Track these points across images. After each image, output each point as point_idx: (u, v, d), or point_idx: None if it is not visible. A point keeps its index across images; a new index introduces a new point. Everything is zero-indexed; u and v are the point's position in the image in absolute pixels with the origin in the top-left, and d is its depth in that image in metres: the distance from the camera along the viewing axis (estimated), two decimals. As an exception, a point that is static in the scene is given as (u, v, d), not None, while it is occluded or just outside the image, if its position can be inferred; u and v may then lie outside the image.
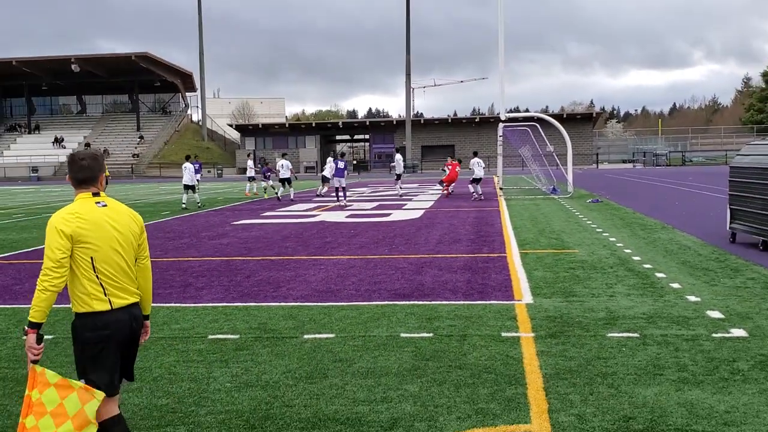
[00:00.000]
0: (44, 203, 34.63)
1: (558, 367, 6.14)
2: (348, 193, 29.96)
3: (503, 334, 7.31)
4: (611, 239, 14.77)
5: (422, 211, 23.39)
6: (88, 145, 63.88)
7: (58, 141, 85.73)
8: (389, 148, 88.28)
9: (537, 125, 36.72)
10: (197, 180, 31.24)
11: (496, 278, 10.64)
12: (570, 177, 31.17)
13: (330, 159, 34.00)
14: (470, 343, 6.99)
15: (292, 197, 31.48)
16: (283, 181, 31.44)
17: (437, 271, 11.42)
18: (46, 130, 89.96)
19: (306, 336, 7.46)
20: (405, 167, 40.04)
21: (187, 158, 29.84)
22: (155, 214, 25.30)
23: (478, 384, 5.78)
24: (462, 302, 8.96)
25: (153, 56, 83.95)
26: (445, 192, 31.29)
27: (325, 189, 34.24)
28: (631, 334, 7.16)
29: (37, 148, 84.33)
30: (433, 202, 28.02)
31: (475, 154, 31.82)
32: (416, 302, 9.02)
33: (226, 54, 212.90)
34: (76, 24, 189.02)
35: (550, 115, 54.36)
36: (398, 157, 34.64)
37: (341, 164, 29.46)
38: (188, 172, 28.84)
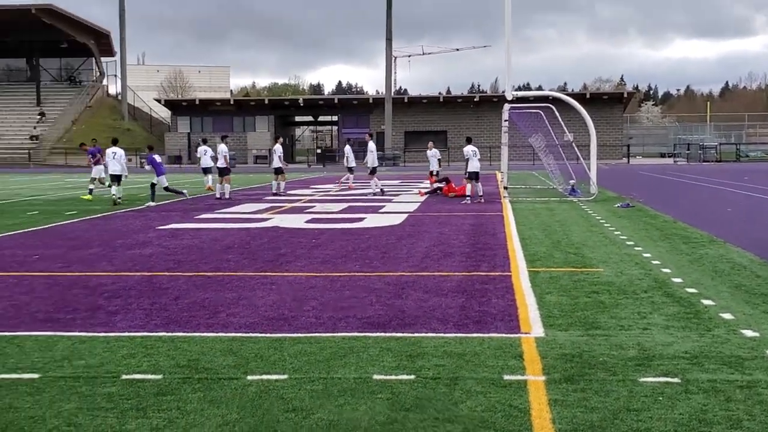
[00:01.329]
0: None
1: (576, 422, 6.03)
2: (308, 191, 30.43)
3: (506, 377, 7.18)
4: (645, 255, 14.73)
5: (405, 216, 23.23)
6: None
7: None
8: (362, 134, 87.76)
9: (553, 107, 35.84)
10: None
11: (497, 304, 10.52)
12: (593, 174, 31.03)
13: (348, 146, 35.63)
14: (463, 389, 6.87)
15: (227, 195, 31.43)
16: (205, 170, 32.16)
17: (422, 293, 11.27)
18: None
19: (250, 377, 7.30)
20: (383, 158, 40.38)
21: (115, 143, 30.36)
22: (57, 214, 25.02)
23: (472, 443, 5.68)
24: (454, 334, 8.83)
25: (58, 9, 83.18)
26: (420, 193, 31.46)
27: (351, 179, 36.67)
28: (670, 379, 7.07)
29: None
30: (418, 204, 27.89)
31: (469, 141, 31.04)
32: (394, 334, 8.86)
33: (156, 9, 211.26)
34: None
35: (569, 95, 54.39)
36: (371, 145, 35.18)
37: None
38: (117, 159, 30.01)
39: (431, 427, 6.00)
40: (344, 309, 10.25)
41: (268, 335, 8.90)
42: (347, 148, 36.88)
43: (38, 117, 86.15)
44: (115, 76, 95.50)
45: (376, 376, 7.27)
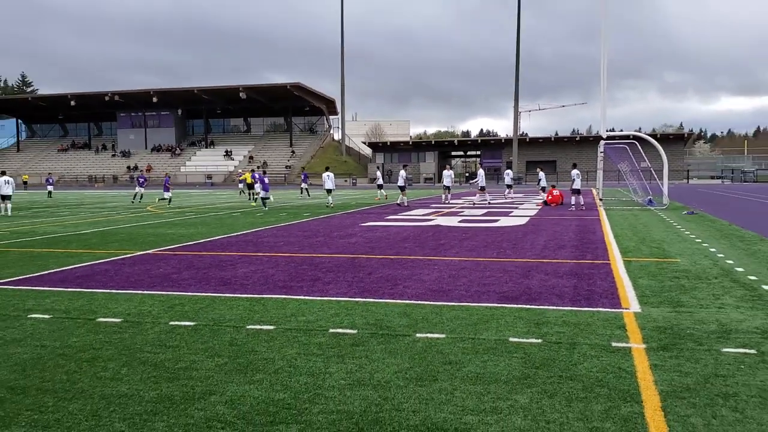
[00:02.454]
0: (212, 204, 35.32)
1: (674, 384, 5.04)
2: (459, 201, 30.16)
3: (613, 344, 6.22)
4: (711, 249, 13.16)
5: (527, 219, 22.11)
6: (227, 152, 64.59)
7: (228, 154, 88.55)
8: (497, 163, 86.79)
9: (636, 143, 34.54)
10: (304, 186, 42.34)
11: (601, 285, 9.42)
12: (665, 189, 29.02)
13: (481, 171, 35.49)
14: (580, 352, 5.95)
15: (406, 203, 31.17)
16: (379, 186, 32.46)
17: (543, 275, 10.29)
18: (219, 145, 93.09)
19: (418, 335, 6.61)
20: (513, 179, 39.29)
21: (327, 169, 31.81)
22: (298, 215, 25.11)
23: (590, 399, 4.78)
24: (569, 308, 7.86)
25: (304, 86, 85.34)
26: (551, 204, 30.10)
27: (449, 197, 34.95)
28: (747, 350, 5.94)
29: (212, 160, 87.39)
30: (537, 211, 26.61)
31: (574, 166, 30.26)
32: (524, 306, 7.98)
33: (364, 84, 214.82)
34: (247, 59, 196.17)
35: (647, 134, 51.51)
36: (508, 171, 34.73)
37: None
38: (330, 180, 32.29)
39: (557, 383, 5.13)
40: (486, 285, 9.42)
41: (431, 303, 8.18)
42: (480, 172, 35.62)
43: (290, 153, 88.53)
44: (338, 127, 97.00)
45: (511, 339, 6.43)
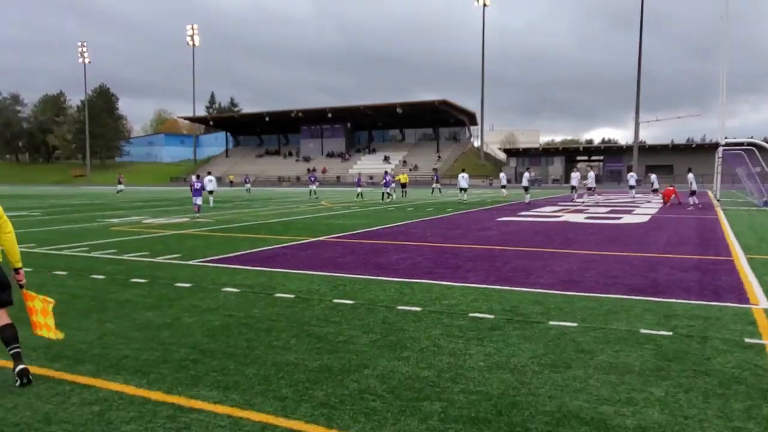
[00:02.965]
0: (372, 200, 35.76)
1: (820, 388, 4.11)
2: (584, 199, 28.51)
3: (746, 341, 5.28)
4: (839, 250, 11.26)
5: (648, 217, 20.26)
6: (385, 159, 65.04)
7: (386, 158, 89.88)
8: (620, 166, 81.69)
9: (754, 149, 30.93)
10: (437, 186, 42.78)
11: (726, 280, 8.22)
12: (783, 192, 25.72)
13: (591, 173, 33.53)
14: (712, 347, 5.09)
15: (528, 201, 29.97)
16: (525, 188, 30.98)
17: (669, 269, 9.14)
18: (379, 151, 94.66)
19: (551, 322, 5.99)
20: (637, 180, 36.70)
21: (463, 170, 31.68)
22: (442, 210, 24.66)
23: (729, 396, 4.01)
24: (697, 302, 6.85)
25: (449, 102, 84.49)
26: (667, 201, 27.59)
27: (578, 195, 32.93)
28: None
29: (373, 164, 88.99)
30: (657, 209, 24.41)
31: (689, 171, 27.98)
32: (651, 298, 7.06)
33: (499, 98, 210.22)
34: (402, 81, 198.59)
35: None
36: (632, 174, 33.62)
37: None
38: (464, 180, 31.88)
39: (691, 377, 4.37)
40: (614, 277, 8.50)
41: (563, 293, 7.45)
42: (590, 174, 33.62)
43: (437, 158, 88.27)
44: (477, 136, 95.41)
45: (642, 330, 5.65)
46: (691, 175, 26.69)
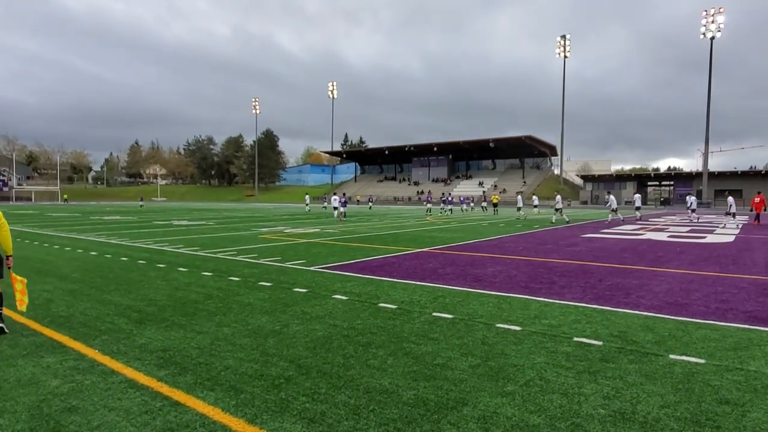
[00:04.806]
0: (469, 217, 33.89)
1: None
2: (661, 219, 24.96)
3: None
4: None
5: (733, 237, 16.91)
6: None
7: (480, 183, 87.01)
8: (687, 190, 72.95)
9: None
10: (520, 206, 32.90)
11: None
12: None
13: (637, 195, 29.47)
14: None
15: (622, 219, 26.62)
16: (615, 209, 27.16)
17: (783, 295, 6.88)
18: (474, 177, 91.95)
19: (672, 356, 4.25)
20: (699, 204, 31.68)
21: (557, 192, 28.47)
22: (529, 227, 22.41)
23: None
24: (842, 339, 4.75)
25: (534, 137, 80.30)
26: (757, 212, 23.35)
27: (638, 215, 29.06)
28: None
29: (470, 187, 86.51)
30: (739, 229, 20.61)
31: (759, 194, 23.60)
32: (781, 330, 5.05)
33: (576, 134, 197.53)
34: (495, 120, 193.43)
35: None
36: (693, 198, 28.63)
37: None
38: (559, 202, 27.60)
39: None
40: (724, 302, 6.42)
41: (672, 317, 5.58)
42: (636, 196, 28.95)
43: (522, 184, 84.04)
44: (557, 165, 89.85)
45: (792, 376, 3.77)
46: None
